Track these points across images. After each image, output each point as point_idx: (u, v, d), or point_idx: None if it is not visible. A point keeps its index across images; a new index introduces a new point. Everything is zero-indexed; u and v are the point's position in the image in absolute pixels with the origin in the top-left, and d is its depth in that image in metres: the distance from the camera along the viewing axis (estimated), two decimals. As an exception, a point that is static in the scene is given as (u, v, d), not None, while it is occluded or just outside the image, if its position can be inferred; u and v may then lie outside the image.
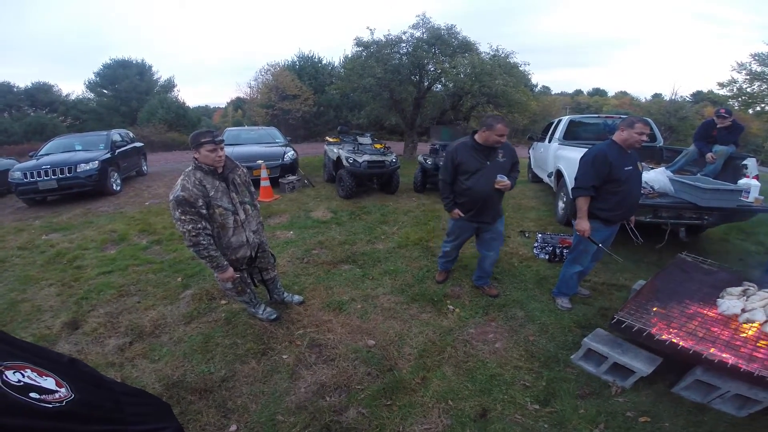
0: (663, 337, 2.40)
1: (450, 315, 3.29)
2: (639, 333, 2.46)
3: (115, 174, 8.50)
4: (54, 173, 7.37)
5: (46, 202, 7.81)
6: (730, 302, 2.68)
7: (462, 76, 10.91)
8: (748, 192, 3.89)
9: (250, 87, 24.14)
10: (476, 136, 3.13)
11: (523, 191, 7.79)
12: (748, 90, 18.15)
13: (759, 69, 17.25)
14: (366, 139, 8.01)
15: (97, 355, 2.81)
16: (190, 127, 23.18)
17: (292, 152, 8.68)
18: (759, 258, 4.40)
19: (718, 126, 4.90)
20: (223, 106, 42.20)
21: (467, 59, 10.91)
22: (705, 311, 2.70)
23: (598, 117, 7.32)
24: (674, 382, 2.44)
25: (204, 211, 2.53)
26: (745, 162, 4.48)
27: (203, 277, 3.96)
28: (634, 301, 2.83)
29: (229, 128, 11.88)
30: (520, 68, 12.32)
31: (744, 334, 2.44)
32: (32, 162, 7.79)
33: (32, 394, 1.16)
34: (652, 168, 4.61)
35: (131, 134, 10.99)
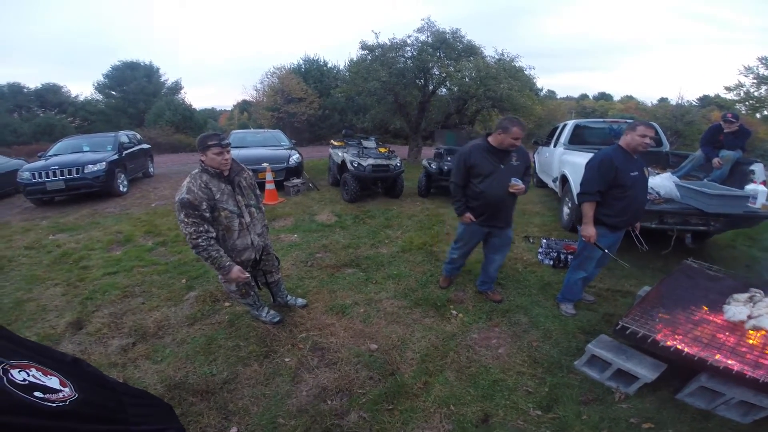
0: (668, 343, 2.37)
1: (453, 320, 3.28)
2: (643, 339, 2.44)
3: (122, 175, 8.56)
4: (62, 174, 7.43)
5: (53, 203, 7.88)
6: (736, 309, 2.65)
7: (467, 80, 10.92)
8: (755, 198, 3.85)
9: (256, 90, 24.25)
10: (490, 139, 3.07)
11: (528, 196, 7.75)
12: (756, 94, 18.03)
13: (766, 73, 17.13)
14: (370, 143, 8.03)
15: (100, 356, 2.82)
16: (196, 129, 23.34)
17: (297, 155, 8.72)
18: (766, 264, 4.36)
19: (725, 131, 4.86)
20: (229, 109, 42.45)
21: (472, 63, 10.91)
22: (711, 317, 2.67)
23: (604, 121, 7.29)
24: (678, 388, 2.42)
25: (207, 215, 2.54)
26: (752, 167, 4.44)
27: (207, 279, 3.98)
28: (639, 307, 2.80)
29: (235, 131, 11.96)
30: (526, 72, 12.31)
31: (750, 341, 2.41)
32: (41, 162, 7.87)
33: (36, 393, 1.17)
34: (658, 173, 4.59)
35: (138, 136, 11.08)
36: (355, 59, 12.73)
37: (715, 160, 4.76)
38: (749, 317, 2.56)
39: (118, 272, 4.24)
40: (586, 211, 3.00)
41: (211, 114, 40.60)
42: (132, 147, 9.68)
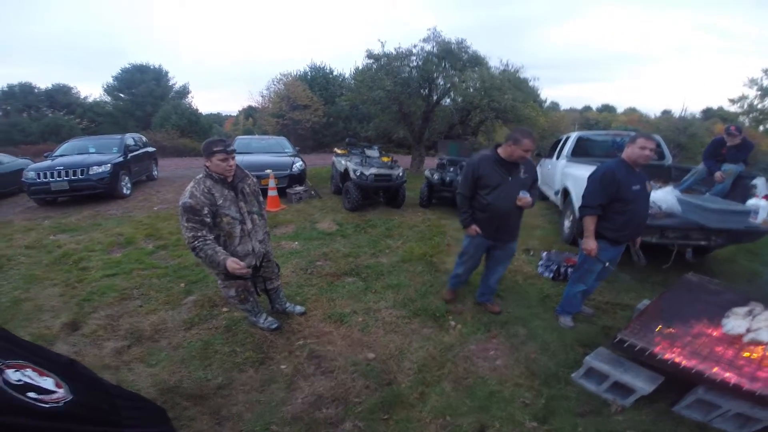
0: (666, 356, 2.38)
1: (451, 331, 3.26)
2: (641, 352, 2.45)
3: (126, 178, 8.62)
4: (66, 174, 7.49)
5: (56, 203, 7.92)
6: (735, 322, 2.66)
7: (471, 90, 10.97)
8: (757, 213, 3.84)
9: (261, 96, 24.43)
10: (499, 150, 3.02)
11: (530, 209, 7.73)
12: (759, 106, 17.97)
13: (771, 85, 17.08)
14: (374, 152, 8.05)
15: (94, 357, 2.81)
16: (201, 133, 23.51)
17: (301, 163, 8.75)
18: (765, 278, 4.33)
19: (727, 144, 4.86)
20: (235, 114, 42.75)
21: (477, 73, 10.97)
22: (710, 331, 2.68)
23: (607, 134, 7.30)
24: (675, 401, 2.41)
25: (208, 220, 2.56)
26: (754, 182, 4.44)
27: (206, 284, 3.97)
28: (638, 320, 2.81)
29: (240, 136, 12.03)
30: (530, 83, 12.39)
31: (748, 354, 2.42)
32: (47, 162, 7.94)
33: (30, 394, 1.17)
34: (660, 187, 4.58)
35: (144, 139, 11.17)
36: (360, 68, 12.84)
37: (718, 174, 4.75)
38: (748, 330, 2.57)
39: (117, 274, 4.25)
40: (588, 225, 2.99)
41: (217, 119, 40.88)
42: (137, 150, 9.76)
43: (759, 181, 4.41)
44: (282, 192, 7.86)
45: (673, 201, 4.12)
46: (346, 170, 7.41)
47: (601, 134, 7.32)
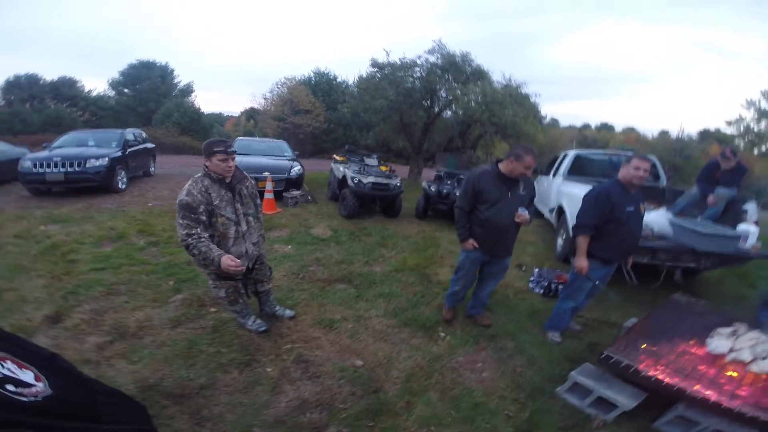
0: (649, 373, 2.42)
1: (440, 342, 3.26)
2: (626, 369, 2.49)
3: (123, 172, 8.56)
4: (63, 166, 7.44)
5: (50, 193, 7.86)
6: (718, 341, 2.71)
7: (472, 104, 11.07)
8: (746, 238, 3.91)
9: (264, 98, 24.58)
10: (501, 166, 3.00)
11: (526, 226, 7.79)
12: (755, 129, 18.13)
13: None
14: (372, 161, 8.07)
15: (74, 351, 2.75)
16: (202, 132, 23.51)
17: (299, 167, 8.76)
18: (751, 301, 4.38)
19: (722, 167, 4.91)
20: (236, 115, 42.82)
21: (479, 87, 11.08)
22: (694, 350, 2.73)
23: (604, 153, 7.36)
24: (656, 417, 2.44)
25: (204, 218, 2.56)
26: (745, 206, 4.51)
27: (196, 283, 3.94)
28: (624, 338, 2.87)
29: (240, 138, 12.03)
30: (531, 99, 12.50)
31: (729, 373, 2.47)
32: (44, 153, 7.90)
33: (8, 386, 1.15)
34: (653, 209, 4.62)
35: (144, 134, 11.13)
36: (364, 76, 12.93)
37: (710, 198, 4.81)
38: (731, 350, 2.63)
39: (105, 269, 4.19)
40: (580, 244, 3.02)
41: (218, 119, 40.93)
42: (136, 145, 9.72)
43: (750, 206, 4.48)
44: (278, 195, 7.84)
45: (665, 224, 4.17)
46: (344, 177, 7.41)
47: (598, 153, 7.39)
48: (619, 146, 30.03)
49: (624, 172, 2.93)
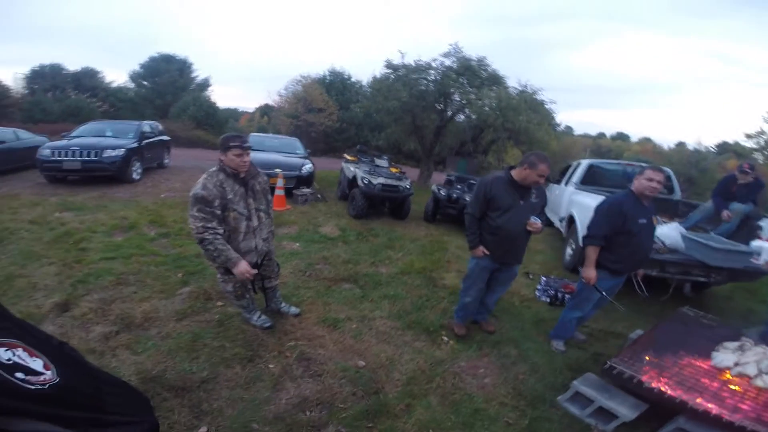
0: (652, 384, 2.40)
1: (444, 346, 3.24)
2: (629, 380, 2.48)
3: (138, 163, 8.72)
4: (80, 155, 7.60)
5: (66, 181, 8.02)
6: (724, 355, 2.69)
7: (487, 108, 11.00)
8: (759, 255, 3.86)
9: (279, 95, 24.75)
10: (513, 173, 2.96)
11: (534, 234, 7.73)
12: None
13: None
14: (383, 162, 8.08)
15: (80, 340, 2.77)
16: (216, 127, 23.73)
17: (310, 165, 8.79)
18: (761, 316, 4.31)
19: (738, 182, 4.82)
20: (251, 111, 43.17)
21: (494, 92, 11.00)
22: (698, 363, 2.70)
23: (619, 163, 7.26)
24: (656, 429, 2.41)
25: (218, 212, 2.59)
26: (760, 222, 4.45)
27: (204, 276, 3.98)
28: (629, 349, 2.85)
29: (254, 133, 12.12)
30: (546, 106, 12.39)
31: (733, 387, 2.44)
32: (63, 142, 8.08)
33: (18, 374, 1.16)
34: (666, 222, 4.56)
35: (160, 127, 11.29)
36: (378, 77, 12.94)
37: (725, 213, 4.73)
38: (736, 364, 2.60)
39: (115, 258, 4.25)
40: (590, 254, 2.99)
41: (233, 114, 41.23)
42: (152, 137, 9.89)
43: (765, 223, 4.42)
44: (289, 192, 7.89)
45: (677, 238, 4.11)
46: (354, 177, 7.43)
47: (612, 163, 7.29)
48: (633, 157, 29.65)
49: (637, 183, 2.89)
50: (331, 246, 5.42)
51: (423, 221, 7.69)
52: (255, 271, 2.77)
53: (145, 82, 29.21)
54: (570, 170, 7.24)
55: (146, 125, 9.87)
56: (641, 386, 2.42)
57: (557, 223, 6.97)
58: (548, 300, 4.31)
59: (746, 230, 4.59)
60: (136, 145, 8.64)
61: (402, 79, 11.56)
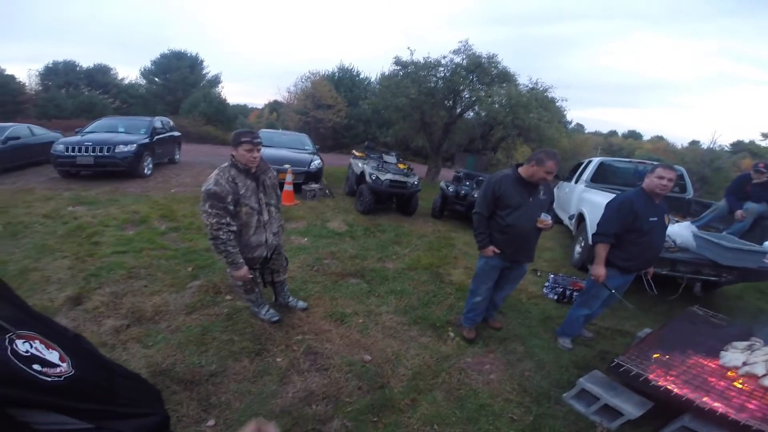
0: (659, 383, 2.39)
1: (450, 342, 3.25)
2: (636, 378, 2.47)
3: (149, 159, 8.85)
4: (93, 150, 7.74)
5: (79, 176, 8.15)
6: (732, 355, 2.67)
7: (496, 106, 10.90)
8: None
9: (288, 92, 24.84)
10: (521, 170, 2.92)
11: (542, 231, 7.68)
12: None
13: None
14: (391, 158, 8.07)
15: (92, 334, 2.81)
16: (226, 123, 23.89)
17: (319, 161, 8.83)
18: None
19: (753, 181, 4.74)
20: (260, 107, 43.39)
21: (504, 90, 10.90)
22: (706, 362, 2.69)
23: (630, 161, 7.17)
24: (660, 427, 2.40)
25: (231, 208, 2.62)
26: None
27: (213, 270, 4.02)
28: (637, 347, 2.83)
29: (263, 129, 12.17)
30: (557, 104, 12.26)
31: (740, 386, 2.43)
32: (76, 137, 8.21)
33: (35, 366, 1.18)
34: (677, 221, 4.50)
35: (171, 123, 11.41)
36: (387, 73, 12.89)
37: (738, 213, 4.65)
38: (744, 364, 2.57)
39: (127, 252, 4.32)
40: (599, 252, 2.97)
41: (243, 110, 41.48)
42: (163, 133, 10.01)
43: None
44: (297, 187, 7.93)
45: (688, 236, 4.06)
46: (362, 173, 7.45)
47: (623, 161, 7.20)
48: (645, 155, 29.24)
49: (648, 181, 2.86)
50: (338, 241, 5.44)
51: (430, 217, 7.69)
52: (251, 276, 2.86)
53: (156, 79, 29.47)
54: (580, 168, 7.17)
55: (158, 121, 10.00)
56: (648, 384, 2.41)
57: (566, 221, 6.92)
58: (556, 297, 4.28)
59: (759, 230, 4.52)
60: (147, 140, 8.76)
61: (411, 76, 11.50)
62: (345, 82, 24.48)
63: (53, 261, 3.98)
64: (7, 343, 1.17)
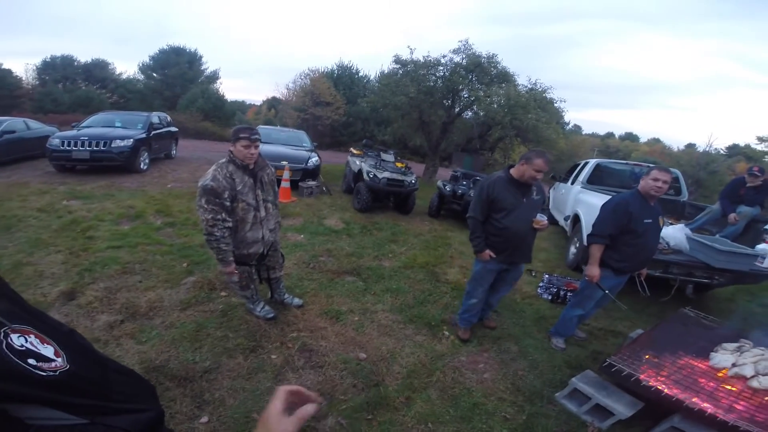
0: (650, 383, 2.42)
1: (444, 341, 3.26)
2: (627, 378, 2.50)
3: (146, 154, 8.80)
4: (89, 145, 7.69)
5: (74, 171, 8.10)
6: (722, 356, 2.70)
7: (495, 106, 10.91)
8: (764, 258, 3.86)
9: (287, 88, 24.82)
10: (512, 171, 2.94)
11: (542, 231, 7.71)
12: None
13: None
14: (389, 156, 8.07)
15: (85, 330, 2.79)
16: (224, 119, 23.79)
17: (317, 158, 8.81)
18: (761, 318, 4.30)
19: (747, 185, 4.79)
20: (259, 104, 43.27)
21: (503, 90, 10.91)
22: (696, 363, 2.72)
23: (626, 163, 7.21)
24: (650, 427, 2.43)
25: (227, 204, 2.61)
26: (767, 227, 4.43)
27: (208, 266, 4.01)
28: (629, 347, 2.86)
29: (262, 126, 12.15)
30: (556, 104, 12.28)
31: (729, 387, 2.46)
32: (72, 132, 8.16)
33: (30, 360, 1.18)
34: (671, 224, 4.54)
35: (169, 118, 11.37)
36: (386, 72, 12.88)
37: (732, 216, 4.70)
38: (733, 365, 2.61)
39: (122, 247, 4.30)
40: (594, 253, 2.99)
41: (241, 106, 41.32)
42: (160, 128, 9.98)
43: None
44: (294, 184, 7.92)
45: (682, 239, 4.09)
46: (360, 171, 7.44)
47: (620, 163, 7.23)
48: (641, 157, 29.39)
49: (643, 183, 2.89)
50: (335, 239, 5.45)
51: (427, 216, 7.71)
52: (237, 272, 2.87)
53: (154, 74, 29.28)
54: (577, 169, 7.20)
55: (155, 116, 9.96)
56: (639, 384, 2.44)
57: (562, 222, 6.95)
58: (550, 298, 4.31)
59: (752, 234, 4.57)
60: (144, 135, 8.71)
61: (410, 75, 11.50)
62: (344, 79, 24.46)
63: (47, 255, 3.95)
64: (2, 337, 1.17)
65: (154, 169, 9.13)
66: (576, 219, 5.63)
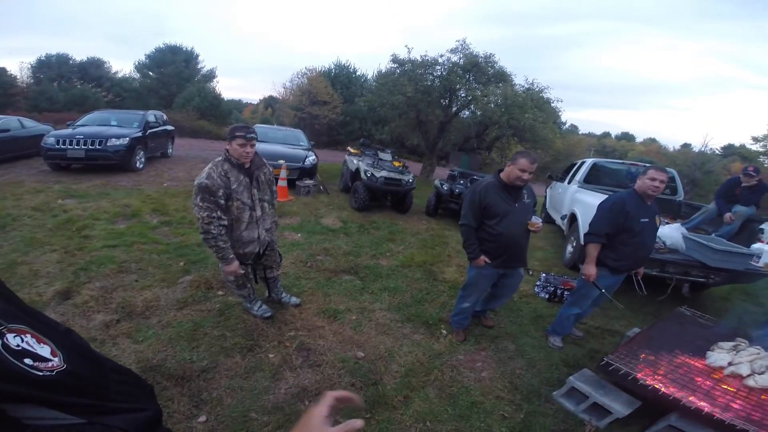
0: (647, 382, 2.43)
1: (442, 339, 3.26)
2: (624, 376, 2.50)
3: (142, 152, 8.76)
4: (85, 144, 7.64)
5: (69, 169, 8.05)
6: (718, 355, 2.72)
7: (492, 105, 10.95)
8: (759, 257, 3.89)
9: (284, 87, 24.75)
10: (502, 175, 2.91)
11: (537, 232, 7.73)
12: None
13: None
14: (387, 155, 8.07)
15: (81, 329, 2.76)
16: (220, 117, 23.72)
17: (314, 157, 8.80)
18: (757, 318, 4.33)
19: (742, 184, 4.82)
20: (255, 103, 43.15)
21: (500, 89, 10.95)
22: (693, 362, 2.73)
23: (623, 163, 7.24)
24: (647, 426, 2.44)
25: (222, 202, 2.61)
26: (762, 226, 4.49)
27: (205, 265, 4.00)
28: (626, 346, 2.87)
29: (258, 125, 12.12)
30: (552, 104, 12.32)
31: (725, 386, 2.47)
32: (67, 131, 8.10)
33: (27, 360, 1.17)
34: (668, 223, 4.56)
35: (165, 117, 11.30)
36: (383, 71, 12.88)
37: (727, 216, 4.73)
38: (730, 364, 2.62)
39: (117, 246, 4.27)
40: (590, 252, 3.00)
41: (237, 105, 41.18)
42: (156, 127, 9.91)
43: (767, 226, 4.41)
44: (291, 183, 7.91)
45: (678, 238, 4.11)
46: (357, 170, 7.44)
47: (616, 163, 7.26)
48: (638, 157, 29.52)
49: (640, 183, 2.90)
50: (332, 237, 5.44)
51: (424, 215, 7.72)
52: (242, 272, 2.86)
53: (150, 73, 29.14)
54: (574, 169, 7.22)
55: (151, 115, 9.90)
56: (636, 383, 2.45)
57: (558, 221, 6.96)
58: (547, 296, 4.32)
59: (747, 233, 4.60)
60: (140, 134, 8.67)
61: (407, 74, 11.50)
62: (341, 78, 24.41)
63: (42, 254, 3.92)
64: None
65: (150, 167, 9.09)
66: (573, 218, 5.64)
